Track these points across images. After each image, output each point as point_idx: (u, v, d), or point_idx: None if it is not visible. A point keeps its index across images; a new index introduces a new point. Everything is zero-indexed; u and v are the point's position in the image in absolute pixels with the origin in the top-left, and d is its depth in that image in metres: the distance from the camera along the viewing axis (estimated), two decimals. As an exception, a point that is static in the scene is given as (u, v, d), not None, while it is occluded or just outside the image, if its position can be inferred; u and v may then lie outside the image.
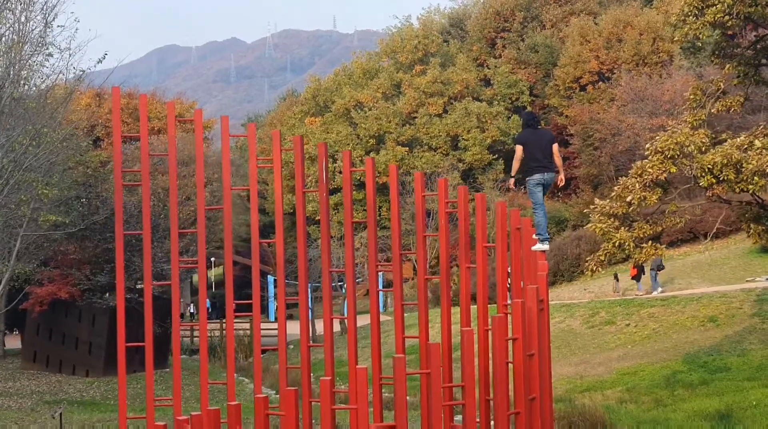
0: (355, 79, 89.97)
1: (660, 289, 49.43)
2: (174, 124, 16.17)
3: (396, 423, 11.04)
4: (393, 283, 15.85)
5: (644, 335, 40.56)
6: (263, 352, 50.43)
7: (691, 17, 26.33)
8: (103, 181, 41.69)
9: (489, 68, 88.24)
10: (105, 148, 61.84)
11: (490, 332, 13.76)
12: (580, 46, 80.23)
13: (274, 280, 69.19)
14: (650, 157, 25.48)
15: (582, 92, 79.25)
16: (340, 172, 72.44)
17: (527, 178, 15.46)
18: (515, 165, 15.66)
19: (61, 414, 18.19)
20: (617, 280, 52.79)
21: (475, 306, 15.74)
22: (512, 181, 16.16)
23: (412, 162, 77.04)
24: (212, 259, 72.25)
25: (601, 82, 78.14)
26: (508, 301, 14.94)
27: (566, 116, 78.31)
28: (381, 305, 63.53)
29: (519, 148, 15.48)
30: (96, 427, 21.96)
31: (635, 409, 30.20)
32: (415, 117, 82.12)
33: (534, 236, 14.81)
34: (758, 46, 28.11)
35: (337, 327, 55.11)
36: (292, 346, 52.82)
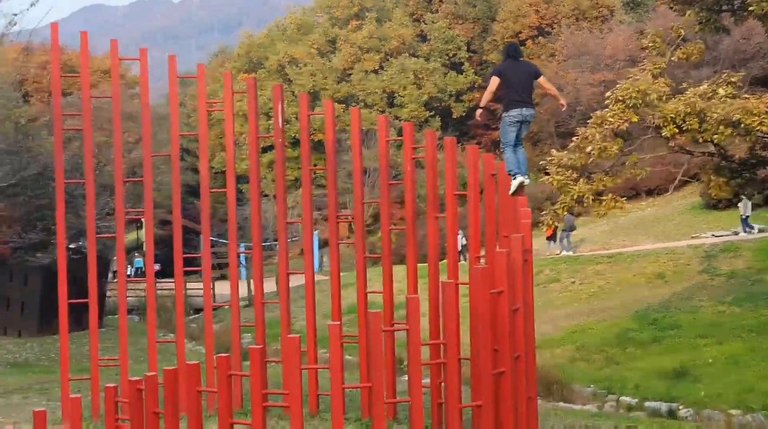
0: (289, 35, 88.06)
1: (571, 251, 48.90)
2: (117, 64, 14.86)
3: (372, 383, 9.91)
4: (355, 235, 14.71)
5: (590, 292, 39.97)
6: (198, 312, 49.15)
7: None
8: (33, 137, 39.85)
9: (425, 23, 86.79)
10: (34, 103, 59.71)
11: (456, 287, 12.69)
12: (519, 1, 79.13)
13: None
14: (611, 106, 24.57)
15: (522, 47, 78.23)
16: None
17: (504, 114, 14.30)
18: (486, 96, 14.41)
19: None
20: None
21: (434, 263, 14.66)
22: (479, 111, 15.01)
23: (347, 119, 75.56)
24: (142, 219, 70.12)
25: (540, 37, 77.25)
26: (481, 253, 13.91)
27: (505, 72, 77.30)
28: (317, 265, 62.31)
29: (495, 80, 14.28)
30: (33, 389, 20.62)
31: (587, 368, 29.57)
32: (351, 73, 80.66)
33: (509, 173, 13.72)
34: (719, -8, 27.26)
35: (273, 287, 53.84)
36: (227, 307, 51.51)
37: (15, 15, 30.00)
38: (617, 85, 25.13)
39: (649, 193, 61.87)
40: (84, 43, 15.07)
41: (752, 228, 45.22)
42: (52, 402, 18.09)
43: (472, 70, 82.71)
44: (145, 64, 14.87)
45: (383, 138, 14.77)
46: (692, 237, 47.19)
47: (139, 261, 66.87)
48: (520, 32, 78.29)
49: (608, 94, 25.13)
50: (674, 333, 31.69)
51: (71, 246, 40.71)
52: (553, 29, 75.85)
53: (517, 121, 14.14)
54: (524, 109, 14.20)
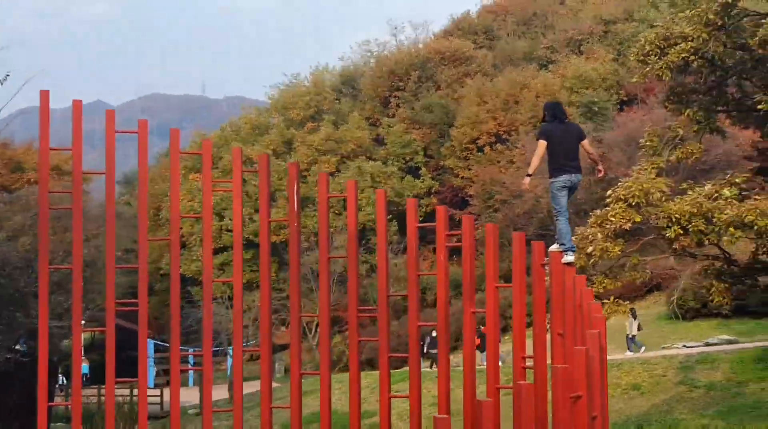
0: (243, 136, 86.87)
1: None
2: (113, 136, 13.38)
3: None
4: (380, 331, 13.17)
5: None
6: (152, 418, 46.78)
7: (653, 56, 24.46)
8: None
9: (383, 127, 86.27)
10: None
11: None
12: (477, 107, 78.79)
13: (154, 343, 65.21)
14: (612, 205, 23.42)
15: (479, 153, 77.67)
16: (228, 231, 69.57)
17: (551, 180, 13.25)
18: (535, 162, 13.42)
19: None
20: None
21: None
22: (527, 180, 13.96)
23: (303, 221, 74.04)
24: (83, 321, 66.96)
25: (498, 144, 76.74)
26: (526, 354, 12.45)
27: (462, 178, 76.70)
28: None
29: (542, 144, 13.24)
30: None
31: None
32: (307, 175, 79.47)
33: (556, 247, 12.47)
34: (714, 93, 26.40)
35: (224, 393, 51.67)
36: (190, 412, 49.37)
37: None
38: (618, 184, 24.02)
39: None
40: (77, 112, 13.63)
41: (639, 347, 45.28)
42: None
43: (429, 175, 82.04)
44: (144, 136, 13.44)
45: (412, 222, 13.34)
46: (663, 347, 46.05)
47: (84, 366, 63.99)
48: (478, 138, 77.81)
49: (609, 192, 24.04)
50: (660, 448, 30.36)
51: (18, 347, 38.50)
52: (510, 136, 75.44)
53: (566, 187, 13.04)
54: (573, 174, 13.16)
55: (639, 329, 46.02)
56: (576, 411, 9.38)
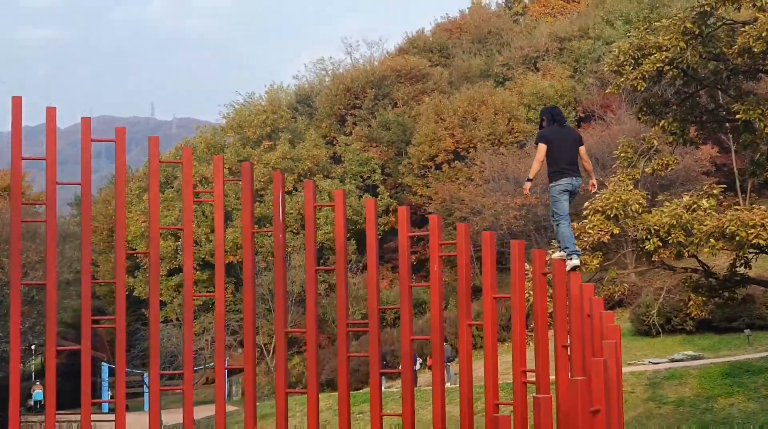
0: (198, 154, 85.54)
1: (449, 382, 46.90)
2: (89, 144, 12.72)
3: None
4: (371, 345, 12.55)
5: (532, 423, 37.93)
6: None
7: (627, 67, 24.10)
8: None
9: (339, 145, 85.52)
10: None
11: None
12: (435, 124, 78.34)
13: (109, 367, 63.57)
14: (590, 217, 22.96)
15: (438, 171, 77.14)
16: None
17: (552, 184, 12.79)
18: (535, 166, 12.93)
19: None
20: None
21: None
22: (528, 184, 13.46)
23: (260, 241, 72.96)
24: (32, 345, 64.59)
25: (457, 161, 76.29)
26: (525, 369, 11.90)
27: (420, 196, 76.17)
28: (226, 394, 58.93)
29: (542, 148, 12.77)
30: None
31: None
32: (264, 194, 78.42)
33: (559, 254, 11.94)
34: (688, 104, 26.10)
35: (176, 419, 50.49)
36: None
37: None
38: (596, 195, 23.57)
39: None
40: (51, 119, 12.96)
41: None
42: None
43: (387, 193, 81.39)
44: (122, 143, 12.77)
45: (404, 231, 12.76)
46: (629, 364, 45.69)
47: (38, 393, 62.26)
48: (436, 155, 77.29)
49: (587, 204, 23.57)
50: (633, 465, 29.98)
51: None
52: (469, 153, 74.99)
53: (567, 190, 12.54)
54: (574, 178, 12.68)
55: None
56: (594, 427, 8.81)
